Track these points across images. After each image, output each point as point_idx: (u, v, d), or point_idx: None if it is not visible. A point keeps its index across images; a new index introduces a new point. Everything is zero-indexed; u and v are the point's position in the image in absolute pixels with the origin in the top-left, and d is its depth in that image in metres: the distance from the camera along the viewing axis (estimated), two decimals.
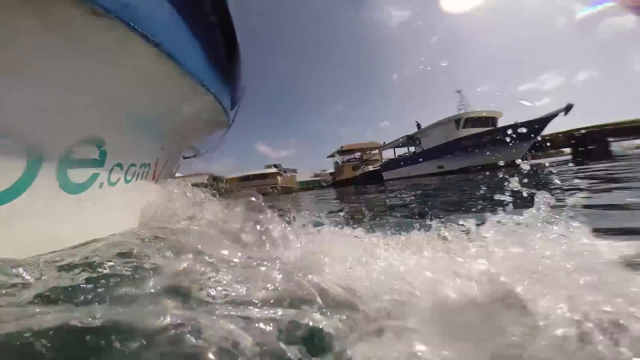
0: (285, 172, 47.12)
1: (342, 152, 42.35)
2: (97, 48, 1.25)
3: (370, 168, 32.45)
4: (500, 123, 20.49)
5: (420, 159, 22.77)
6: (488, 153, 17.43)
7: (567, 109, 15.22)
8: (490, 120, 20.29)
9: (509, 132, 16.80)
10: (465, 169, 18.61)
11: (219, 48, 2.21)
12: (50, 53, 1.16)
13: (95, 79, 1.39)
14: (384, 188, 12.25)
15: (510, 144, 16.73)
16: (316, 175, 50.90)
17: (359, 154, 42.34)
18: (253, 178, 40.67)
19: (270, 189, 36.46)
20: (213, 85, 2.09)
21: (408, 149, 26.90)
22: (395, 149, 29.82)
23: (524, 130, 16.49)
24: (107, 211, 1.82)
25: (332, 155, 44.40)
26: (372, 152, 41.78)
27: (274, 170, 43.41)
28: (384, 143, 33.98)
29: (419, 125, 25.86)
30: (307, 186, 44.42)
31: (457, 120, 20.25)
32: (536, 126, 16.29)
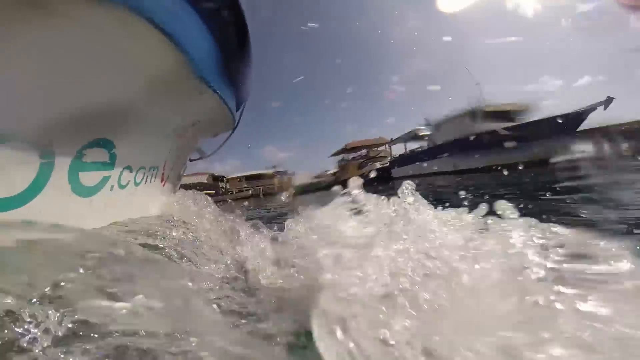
0: (284, 173, 44.20)
1: (347, 150, 38.85)
2: (107, 49, 1.20)
3: (378, 165, 29.21)
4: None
5: (433, 156, 19.64)
6: (514, 151, 14.30)
7: (607, 102, 12.16)
8: (512, 115, 16.99)
9: (541, 127, 13.69)
10: (486, 167, 15.45)
11: (228, 48, 1.99)
12: (59, 54, 1.10)
13: (104, 81, 1.33)
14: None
15: (541, 141, 13.55)
16: (316, 177, 47.65)
17: (364, 151, 38.89)
18: (250, 179, 38.21)
19: (268, 190, 33.97)
20: (220, 86, 1.95)
21: (420, 145, 23.72)
22: (406, 143, 26.50)
23: (558, 125, 13.29)
24: (117, 214, 1.74)
25: (335, 154, 40.79)
26: (379, 148, 38.58)
27: (271, 171, 40.46)
28: (392, 139, 30.72)
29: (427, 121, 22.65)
30: (307, 188, 41.60)
31: (472, 114, 17.03)
32: (572, 120, 13.12)
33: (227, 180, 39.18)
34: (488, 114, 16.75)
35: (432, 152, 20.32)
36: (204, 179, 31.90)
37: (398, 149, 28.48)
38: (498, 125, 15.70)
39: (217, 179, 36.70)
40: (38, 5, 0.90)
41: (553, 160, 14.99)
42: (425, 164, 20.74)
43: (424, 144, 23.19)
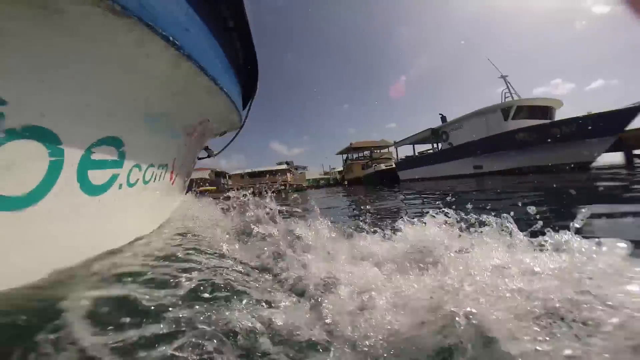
0: (296, 169, 42.33)
1: (351, 149, 36.84)
2: (116, 48, 1.14)
3: (383, 166, 26.59)
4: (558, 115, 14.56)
5: (451, 157, 16.89)
6: (550, 151, 11.76)
7: None
8: (548, 111, 14.34)
9: (584, 125, 11.10)
10: (515, 170, 12.84)
11: (235, 48, 2.07)
12: (69, 54, 1.06)
13: (113, 80, 1.28)
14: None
15: (584, 141, 11.00)
16: (326, 174, 45.89)
17: (368, 152, 36.86)
18: (262, 174, 36.07)
19: (281, 186, 32.22)
20: (227, 84, 1.90)
21: (433, 145, 20.77)
22: (415, 145, 23.61)
23: (604, 123, 10.69)
24: (126, 213, 1.66)
25: (341, 152, 38.87)
26: (382, 150, 36.61)
27: (284, 167, 38.43)
28: (394, 142, 28.11)
29: (443, 118, 19.94)
30: (316, 184, 39.76)
31: (505, 109, 14.37)
32: (621, 118, 10.55)
33: (230, 176, 36.77)
34: (523, 110, 14.06)
35: (446, 154, 17.57)
36: (205, 175, 29.33)
37: (406, 151, 25.74)
38: (534, 122, 13.06)
39: (219, 175, 34.10)
40: (48, 5, 0.89)
41: (595, 164, 12.45)
42: (437, 167, 18.04)
43: (435, 145, 20.38)
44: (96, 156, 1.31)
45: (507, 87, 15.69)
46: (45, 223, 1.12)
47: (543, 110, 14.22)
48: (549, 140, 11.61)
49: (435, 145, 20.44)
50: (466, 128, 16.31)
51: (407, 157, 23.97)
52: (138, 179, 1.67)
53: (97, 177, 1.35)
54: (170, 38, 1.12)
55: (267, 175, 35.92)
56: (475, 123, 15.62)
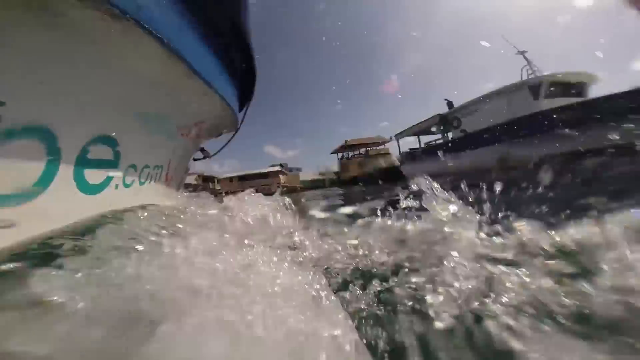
0: (290, 171, 39.81)
1: (346, 147, 34.55)
2: (111, 50, 1.15)
3: (383, 163, 24.24)
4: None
5: (467, 146, 14.56)
6: (592, 132, 9.68)
7: None
8: (583, 87, 12.19)
9: (633, 100, 9.06)
10: (555, 155, 10.58)
11: (231, 50, 1.98)
12: (67, 54, 1.07)
13: (108, 80, 1.28)
14: None
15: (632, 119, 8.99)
16: (321, 174, 43.42)
17: (364, 149, 34.72)
18: (253, 177, 33.44)
19: (273, 189, 29.48)
20: (222, 87, 1.90)
21: (443, 134, 18.41)
22: (419, 136, 21.12)
23: None
24: None
25: (336, 151, 36.48)
26: (378, 147, 34.54)
27: (277, 168, 35.84)
28: (390, 138, 25.85)
29: (450, 104, 17.63)
30: (311, 185, 37.29)
31: (535, 87, 12.12)
32: None
33: (218, 180, 33.89)
34: (556, 86, 11.85)
35: (461, 143, 15.27)
36: (192, 180, 26.42)
37: (408, 144, 23.41)
38: (568, 101, 10.87)
39: (207, 179, 31.20)
40: (45, 8, 0.89)
41: None
42: (449, 159, 15.71)
43: (448, 135, 18.08)
44: (92, 155, 1.31)
45: (528, 63, 13.55)
46: (42, 221, 1.11)
47: (577, 87, 12.10)
48: (601, 119, 9.43)
49: (445, 134, 18.13)
50: (483, 112, 14.05)
51: (411, 149, 21.60)
52: (134, 180, 1.66)
53: (93, 176, 1.34)
54: (164, 39, 1.12)
55: (259, 179, 33.33)
56: (496, 105, 13.37)
